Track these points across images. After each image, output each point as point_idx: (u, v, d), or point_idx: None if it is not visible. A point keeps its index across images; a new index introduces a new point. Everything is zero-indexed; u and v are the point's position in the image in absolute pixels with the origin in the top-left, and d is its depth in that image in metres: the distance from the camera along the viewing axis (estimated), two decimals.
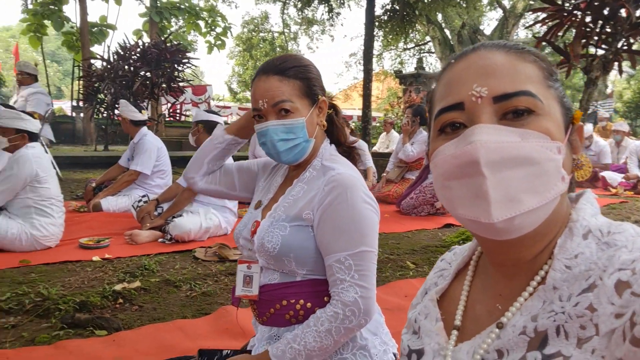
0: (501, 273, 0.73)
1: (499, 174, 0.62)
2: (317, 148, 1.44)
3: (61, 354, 2.07)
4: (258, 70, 1.39)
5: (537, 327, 0.61)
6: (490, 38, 18.59)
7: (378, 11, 8.79)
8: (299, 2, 8.83)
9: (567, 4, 3.78)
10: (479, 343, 0.68)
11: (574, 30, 3.74)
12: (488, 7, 19.84)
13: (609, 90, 18.28)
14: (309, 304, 1.34)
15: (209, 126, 4.23)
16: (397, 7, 8.28)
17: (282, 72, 1.34)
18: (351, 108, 23.86)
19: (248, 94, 30.63)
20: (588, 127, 8.85)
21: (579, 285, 0.60)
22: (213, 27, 19.66)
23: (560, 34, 3.93)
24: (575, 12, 3.66)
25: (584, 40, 3.67)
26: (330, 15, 9.48)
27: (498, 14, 22.01)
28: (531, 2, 17.80)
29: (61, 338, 2.22)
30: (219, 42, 19.92)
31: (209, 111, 4.45)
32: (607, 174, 7.77)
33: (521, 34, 20.50)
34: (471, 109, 0.67)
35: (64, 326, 2.32)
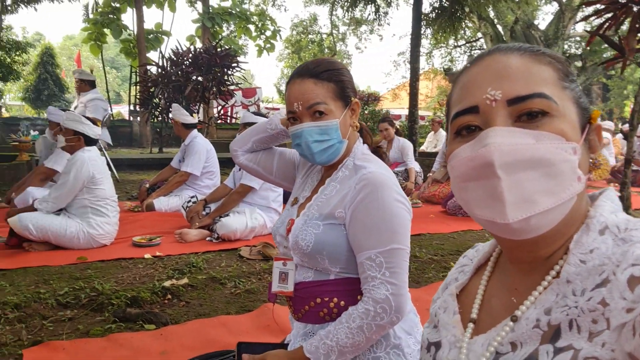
0: (518, 269, 0.75)
1: (514, 175, 0.63)
2: (350, 148, 1.47)
3: (112, 346, 2.19)
4: (292, 74, 1.44)
5: (550, 321, 0.63)
6: (546, 33, 17.94)
7: (426, 9, 8.69)
8: (347, 3, 8.80)
9: None
10: (494, 335, 0.70)
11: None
12: (542, 1, 19.16)
13: None
14: (342, 303, 1.36)
15: None
16: (446, 4, 8.15)
17: (316, 75, 1.39)
18: (399, 107, 23.64)
19: None
20: None
21: (593, 280, 0.61)
22: (263, 31, 20.00)
23: (617, 26, 3.76)
24: (630, 4, 3.49)
25: (639, 34, 3.50)
26: (377, 15, 9.46)
27: (554, 7, 21.19)
28: None
29: (113, 331, 2.34)
30: (269, 45, 20.24)
31: (257, 113, 4.54)
32: None
33: (578, 28, 19.68)
34: (486, 112, 0.68)
35: (116, 320, 2.45)
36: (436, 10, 8.50)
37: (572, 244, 0.66)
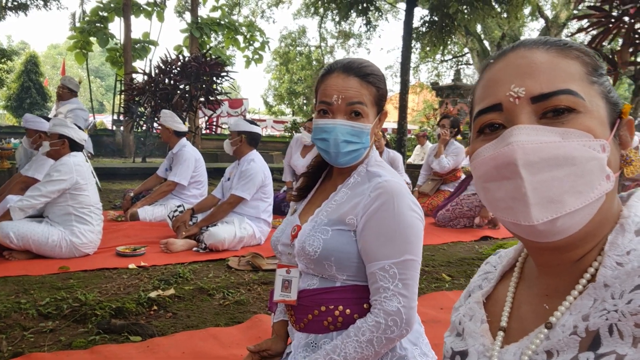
0: (546, 273, 0.71)
1: (538, 175, 0.61)
2: (366, 155, 1.44)
3: (96, 359, 2.08)
4: (334, 67, 1.39)
5: (588, 327, 0.59)
6: None
7: (416, 23, 8.76)
8: (337, 16, 8.81)
9: (614, 11, 3.63)
10: (527, 344, 0.66)
11: (621, 38, 3.59)
12: (530, 18, 19.51)
13: None
14: (348, 311, 1.31)
15: (252, 137, 4.26)
16: (436, 19, 8.20)
17: (363, 76, 1.36)
18: (386, 121, 23.77)
19: (284, 107, 31.03)
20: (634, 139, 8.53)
21: (632, 281, 0.57)
22: (251, 42, 20.01)
23: (606, 41, 3.78)
24: (623, 18, 3.52)
25: (632, 48, 3.52)
26: (368, 27, 9.52)
27: (540, 24, 21.63)
28: (575, 12, 17.40)
29: (97, 343, 2.24)
30: (257, 56, 20.25)
31: (251, 122, 4.43)
32: None
33: None
34: (509, 110, 0.66)
35: (100, 331, 2.34)
36: (426, 24, 8.56)
37: (607, 245, 0.63)
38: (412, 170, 8.18)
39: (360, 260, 1.31)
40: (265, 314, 2.63)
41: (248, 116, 20.69)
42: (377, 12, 9.71)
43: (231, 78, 9.33)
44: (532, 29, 24.18)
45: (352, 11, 8.48)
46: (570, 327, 0.61)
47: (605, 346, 0.56)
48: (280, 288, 1.39)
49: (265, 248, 4.11)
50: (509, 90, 0.65)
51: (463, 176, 5.93)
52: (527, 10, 18.38)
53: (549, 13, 18.50)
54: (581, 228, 0.62)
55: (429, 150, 6.59)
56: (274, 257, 3.94)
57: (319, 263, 1.31)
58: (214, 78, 8.92)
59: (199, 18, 18.02)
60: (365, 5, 7.98)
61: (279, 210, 5.44)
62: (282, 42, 25.73)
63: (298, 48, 25.85)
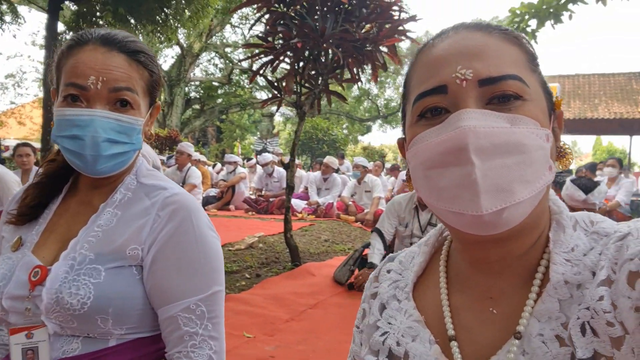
0: (486, 272, 0.67)
1: (489, 161, 0.57)
2: (134, 162, 1.11)
3: None
4: (87, 37, 1.02)
5: (564, 330, 0.57)
6: (169, 74, 18.93)
7: (61, 28, 7.80)
8: None
9: (277, 44, 4.10)
10: None
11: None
12: (164, 44, 20.23)
13: (275, 131, 20.93)
14: None
15: None
16: (84, 26, 7.49)
17: (132, 54, 1.02)
18: (7, 137, 20.40)
19: None
20: (266, 156, 9.87)
21: (597, 277, 0.56)
22: None
23: (269, 69, 4.22)
24: (287, 51, 4.00)
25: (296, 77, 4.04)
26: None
27: (174, 51, 22.73)
28: (206, 45, 19.03)
29: None
30: None
31: None
32: (293, 201, 8.68)
33: (197, 73, 21.65)
34: (455, 93, 0.61)
35: None
36: (71, 32, 7.70)
37: (552, 243, 0.63)
38: None
39: (146, 304, 1.01)
40: None
41: None
42: (11, 11, 8.23)
43: None
44: (166, 55, 25.24)
45: None
46: (551, 335, 0.57)
47: (582, 349, 0.54)
48: None
49: None
50: (455, 71, 0.61)
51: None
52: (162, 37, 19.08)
53: (183, 42, 19.62)
54: (523, 220, 0.60)
55: None
56: None
57: (87, 319, 0.94)
58: None
59: None
60: None
61: None
62: None
63: None
